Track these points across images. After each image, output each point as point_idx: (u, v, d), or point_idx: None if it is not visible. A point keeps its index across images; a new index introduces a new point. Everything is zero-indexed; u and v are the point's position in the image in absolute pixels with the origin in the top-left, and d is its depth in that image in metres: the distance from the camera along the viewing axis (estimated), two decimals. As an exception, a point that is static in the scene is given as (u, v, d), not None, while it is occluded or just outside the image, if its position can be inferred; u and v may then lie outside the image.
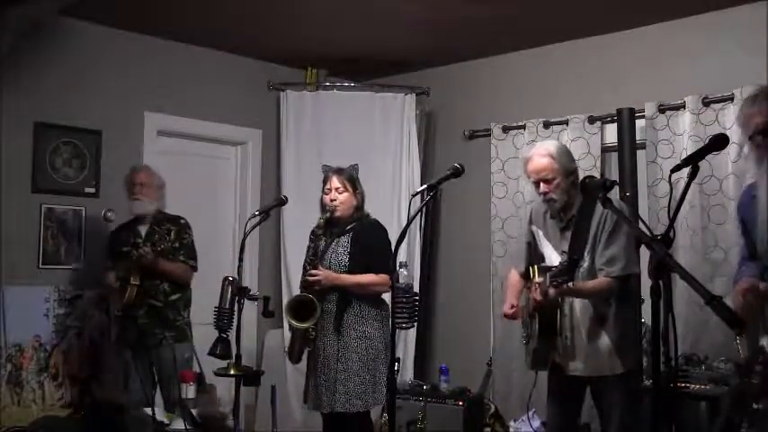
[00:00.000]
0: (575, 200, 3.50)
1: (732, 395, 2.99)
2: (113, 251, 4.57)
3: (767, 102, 2.75)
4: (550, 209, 3.56)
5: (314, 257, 4.06)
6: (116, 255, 4.53)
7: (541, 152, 3.50)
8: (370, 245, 4.03)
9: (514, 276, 3.76)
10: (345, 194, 4.06)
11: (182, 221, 4.60)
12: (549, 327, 3.43)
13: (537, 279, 3.33)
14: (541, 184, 3.49)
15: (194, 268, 4.56)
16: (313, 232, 4.16)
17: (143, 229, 4.52)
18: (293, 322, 3.98)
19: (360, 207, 4.12)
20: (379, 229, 4.10)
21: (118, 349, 4.57)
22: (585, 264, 3.43)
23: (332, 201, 4.05)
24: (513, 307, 3.59)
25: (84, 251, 4.90)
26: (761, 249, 2.81)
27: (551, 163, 3.45)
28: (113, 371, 4.82)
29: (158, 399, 4.44)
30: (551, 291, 3.27)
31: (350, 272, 3.99)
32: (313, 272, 3.97)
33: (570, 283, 3.32)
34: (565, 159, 3.50)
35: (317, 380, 4.00)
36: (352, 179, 4.11)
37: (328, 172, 4.15)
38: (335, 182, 4.06)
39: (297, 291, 4.38)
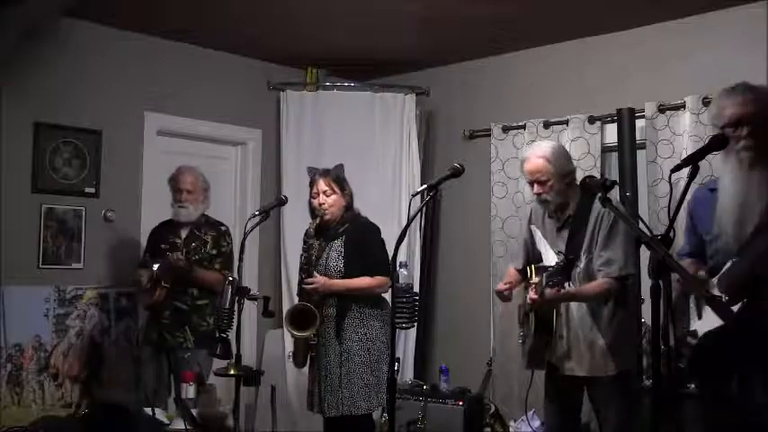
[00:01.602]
0: (571, 200, 3.52)
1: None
2: (152, 248, 4.57)
3: (741, 95, 2.81)
4: (545, 209, 3.58)
5: (308, 264, 4.03)
6: (154, 252, 4.52)
7: (537, 153, 3.51)
8: (365, 247, 4.00)
9: (511, 269, 3.79)
10: (334, 197, 4.02)
11: (222, 228, 4.58)
12: (544, 326, 3.45)
13: (534, 279, 3.34)
14: (535, 185, 3.50)
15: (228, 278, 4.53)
16: (304, 240, 4.14)
17: (183, 231, 4.52)
18: (294, 332, 3.97)
19: (349, 207, 4.08)
20: (372, 230, 4.08)
21: (137, 348, 4.56)
22: (582, 264, 3.44)
23: (321, 205, 4.01)
24: (508, 284, 3.57)
25: (85, 251, 4.90)
26: (709, 239, 2.89)
27: (546, 165, 3.47)
28: (113, 371, 4.84)
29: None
30: (548, 291, 3.28)
31: (346, 275, 3.97)
32: (309, 279, 3.95)
33: (571, 288, 3.34)
34: (560, 161, 3.51)
35: (321, 384, 3.99)
36: (338, 180, 4.05)
37: (315, 175, 4.08)
38: (322, 185, 4.01)
39: (296, 291, 4.37)
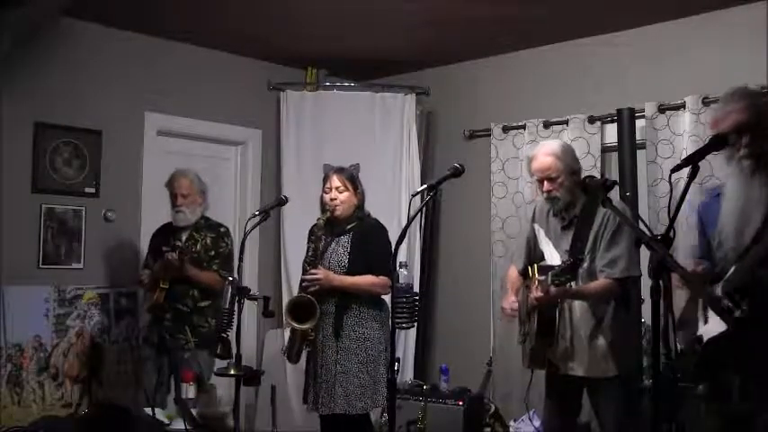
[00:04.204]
0: (578, 199, 3.51)
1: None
2: (153, 250, 4.58)
3: (741, 101, 2.79)
4: (553, 207, 3.57)
5: (313, 257, 4.04)
6: (155, 254, 4.53)
7: (546, 151, 3.51)
8: (371, 246, 4.00)
9: (513, 272, 3.76)
10: (346, 194, 4.03)
11: (221, 230, 4.59)
12: (547, 326, 3.43)
13: (538, 277, 3.33)
14: (545, 183, 3.49)
15: (227, 279, 4.53)
16: (312, 232, 4.14)
17: (184, 234, 4.52)
18: (293, 323, 3.97)
19: (360, 206, 4.10)
20: (379, 230, 4.08)
21: (138, 349, 4.56)
22: (585, 264, 3.43)
23: (332, 200, 4.03)
24: (513, 302, 3.57)
25: (85, 251, 4.90)
26: (714, 245, 2.89)
27: (556, 162, 3.47)
28: (113, 371, 4.84)
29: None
30: (552, 290, 3.27)
31: (349, 272, 3.97)
32: (313, 271, 3.95)
33: (573, 286, 3.33)
34: (569, 158, 3.51)
35: (317, 381, 3.98)
36: (352, 178, 4.08)
37: (329, 171, 4.12)
38: (336, 181, 4.04)
39: (297, 291, 4.37)
